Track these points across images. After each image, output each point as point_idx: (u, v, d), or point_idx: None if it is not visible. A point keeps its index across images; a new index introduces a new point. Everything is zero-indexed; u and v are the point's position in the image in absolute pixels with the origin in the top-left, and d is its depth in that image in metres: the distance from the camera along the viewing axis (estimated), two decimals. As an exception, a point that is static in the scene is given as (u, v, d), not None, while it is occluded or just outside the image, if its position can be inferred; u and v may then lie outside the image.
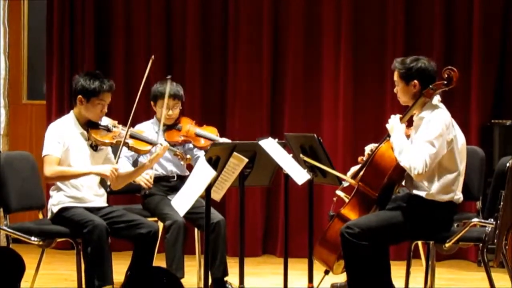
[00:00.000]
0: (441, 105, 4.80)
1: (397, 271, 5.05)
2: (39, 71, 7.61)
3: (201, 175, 4.13)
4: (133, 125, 5.37)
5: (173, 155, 5.60)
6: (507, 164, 4.64)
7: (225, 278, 5.49)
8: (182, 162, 5.67)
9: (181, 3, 7.23)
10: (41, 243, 5.05)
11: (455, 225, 5.03)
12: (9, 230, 5.08)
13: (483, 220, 4.91)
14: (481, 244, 4.78)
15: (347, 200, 4.96)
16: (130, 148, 5.16)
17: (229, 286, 5.49)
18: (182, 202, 4.14)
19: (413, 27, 7.01)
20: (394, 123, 4.81)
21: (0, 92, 7.53)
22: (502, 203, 4.62)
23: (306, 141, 5.07)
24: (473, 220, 4.93)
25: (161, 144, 5.19)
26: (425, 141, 4.62)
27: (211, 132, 5.76)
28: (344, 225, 4.71)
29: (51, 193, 5.19)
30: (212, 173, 4.08)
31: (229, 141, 5.68)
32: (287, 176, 4.99)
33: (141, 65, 7.05)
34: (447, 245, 4.76)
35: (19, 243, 5.12)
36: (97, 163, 5.18)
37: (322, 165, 4.98)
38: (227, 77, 7.20)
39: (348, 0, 7.01)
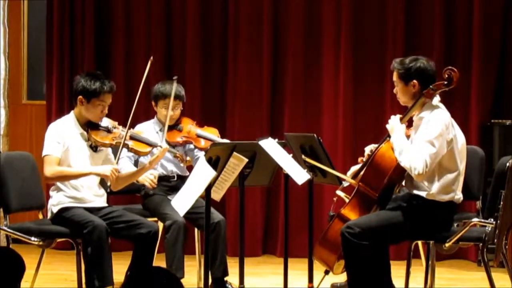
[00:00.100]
0: (441, 105, 4.80)
1: (397, 271, 5.05)
2: (39, 71, 7.61)
3: (201, 175, 4.13)
4: (133, 125, 5.37)
5: (173, 157, 5.60)
6: (507, 164, 4.65)
7: (225, 278, 5.49)
8: (182, 164, 5.67)
9: (181, 3, 7.23)
10: (41, 243, 5.05)
11: (455, 225, 5.04)
12: (9, 230, 5.08)
13: (483, 220, 4.91)
14: (481, 244, 4.78)
15: (347, 200, 4.97)
16: (130, 149, 5.16)
17: (229, 286, 5.49)
18: (182, 202, 4.14)
19: (413, 27, 7.01)
20: (394, 124, 4.81)
21: (0, 92, 7.53)
22: (502, 203, 4.62)
23: (306, 141, 5.07)
24: (473, 220, 4.94)
25: (161, 147, 5.18)
26: (425, 141, 4.62)
27: (212, 133, 5.76)
28: (344, 225, 4.71)
29: (51, 193, 5.19)
30: (212, 173, 4.08)
31: (229, 142, 5.68)
32: (287, 176, 4.99)
33: (141, 65, 7.05)
34: (447, 244, 4.76)
35: (19, 243, 5.12)
36: (97, 164, 5.18)
37: (322, 165, 4.98)
38: (227, 77, 7.20)
39: (348, 0, 7.01)
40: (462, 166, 4.79)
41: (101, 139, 5.10)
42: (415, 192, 4.77)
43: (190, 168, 5.16)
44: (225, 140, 5.75)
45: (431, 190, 4.72)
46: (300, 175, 4.91)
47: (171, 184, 5.72)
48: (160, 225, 5.53)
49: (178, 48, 7.26)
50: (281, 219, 7.00)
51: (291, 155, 5.04)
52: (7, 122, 7.56)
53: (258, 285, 5.96)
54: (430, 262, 5.30)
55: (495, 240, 4.65)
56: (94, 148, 5.19)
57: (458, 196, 4.79)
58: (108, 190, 5.34)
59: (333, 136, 7.02)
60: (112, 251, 5.10)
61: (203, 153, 5.64)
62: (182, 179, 5.57)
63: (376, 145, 4.91)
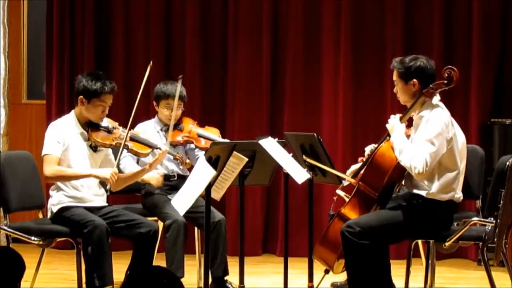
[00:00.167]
0: (441, 104, 4.80)
1: (397, 270, 5.05)
2: (39, 71, 7.61)
3: (201, 174, 4.13)
4: (133, 125, 5.37)
5: (173, 159, 5.59)
6: (507, 163, 4.65)
7: (225, 278, 5.49)
8: (181, 166, 5.66)
9: (181, 3, 7.23)
10: (41, 242, 5.05)
11: (455, 224, 5.04)
12: (9, 229, 5.08)
13: (483, 219, 4.91)
14: (481, 243, 4.78)
15: (347, 200, 4.96)
16: (129, 150, 5.17)
17: (229, 286, 5.49)
18: (182, 202, 4.14)
19: (412, 27, 7.00)
20: (394, 123, 4.81)
21: (0, 92, 7.53)
22: (502, 202, 4.62)
23: (306, 140, 5.07)
24: (473, 219, 4.94)
25: (160, 149, 5.18)
26: (425, 140, 4.62)
27: (213, 133, 5.75)
28: (344, 224, 4.71)
29: (51, 192, 5.19)
30: (212, 172, 4.08)
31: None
32: (287, 175, 4.99)
33: (140, 65, 7.06)
34: (447, 244, 4.76)
35: (19, 242, 5.12)
36: (96, 164, 5.18)
37: (322, 165, 4.98)
38: (227, 77, 7.20)
39: (347, 0, 7.01)
40: (462, 165, 4.79)
41: (101, 140, 5.10)
42: (415, 191, 4.77)
43: (190, 168, 5.16)
44: (226, 140, 5.75)
45: (431, 189, 4.72)
46: (300, 174, 4.91)
47: (171, 183, 5.72)
48: (160, 224, 5.53)
49: (178, 48, 7.26)
50: (281, 218, 7.00)
51: (291, 154, 5.04)
52: (7, 122, 7.56)
53: (258, 285, 5.96)
54: (430, 261, 5.30)
55: (495, 239, 4.65)
56: (94, 148, 5.19)
57: (458, 195, 4.79)
58: (108, 193, 5.35)
59: (333, 135, 7.02)
60: (112, 251, 5.09)
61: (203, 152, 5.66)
62: (182, 179, 5.55)
63: (376, 145, 4.91)
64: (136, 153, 5.19)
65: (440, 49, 6.90)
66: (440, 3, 6.93)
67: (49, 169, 5.04)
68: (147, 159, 5.42)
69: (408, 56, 4.87)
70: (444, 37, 6.94)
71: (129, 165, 5.53)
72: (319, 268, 5.10)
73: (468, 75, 6.83)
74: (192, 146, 5.78)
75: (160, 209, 5.56)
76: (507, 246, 4.83)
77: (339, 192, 5.12)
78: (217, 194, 4.47)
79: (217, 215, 5.48)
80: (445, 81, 4.76)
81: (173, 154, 5.44)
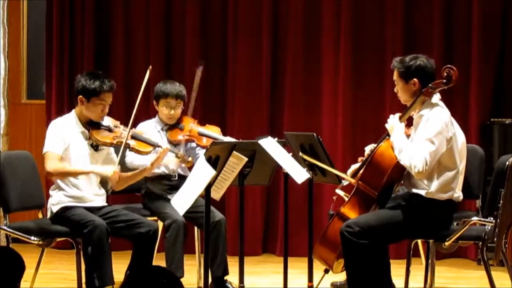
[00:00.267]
0: (441, 103, 4.80)
1: (397, 270, 5.06)
2: (39, 70, 7.61)
3: (201, 174, 4.13)
4: (134, 124, 5.37)
5: (175, 157, 5.60)
6: (507, 163, 4.65)
7: (225, 277, 5.49)
8: (183, 165, 5.67)
9: (181, 3, 7.23)
10: (40, 242, 5.05)
11: (455, 223, 5.04)
12: (9, 229, 5.08)
13: (482, 219, 4.92)
14: (480, 243, 4.78)
15: (346, 199, 4.97)
16: (131, 149, 5.16)
17: (229, 285, 5.49)
18: (181, 201, 4.14)
19: (412, 27, 7.00)
20: (394, 123, 4.81)
21: (0, 92, 7.53)
22: (501, 202, 4.62)
23: (306, 140, 5.07)
24: (472, 218, 4.94)
25: (161, 147, 5.19)
26: (425, 139, 4.62)
27: (214, 131, 5.76)
28: (344, 224, 4.71)
29: (51, 192, 5.19)
30: (211, 172, 4.08)
31: (232, 140, 5.69)
32: (286, 175, 4.99)
33: (140, 65, 7.06)
34: (447, 243, 4.76)
35: (18, 242, 5.12)
36: (97, 163, 5.18)
37: (320, 163, 4.98)
38: (227, 77, 7.20)
39: (347, 0, 7.01)
40: (462, 165, 4.79)
41: (102, 138, 5.10)
42: (414, 190, 4.77)
43: (191, 167, 5.16)
44: (228, 138, 5.75)
45: (430, 188, 4.72)
46: (299, 174, 4.91)
47: (172, 183, 5.72)
48: (160, 224, 5.53)
49: (178, 48, 7.26)
50: (281, 218, 7.00)
51: (291, 154, 5.04)
52: (6, 122, 7.56)
53: (258, 284, 5.96)
54: (430, 261, 5.30)
55: (495, 239, 4.65)
56: (95, 147, 5.19)
57: (458, 194, 4.79)
58: (109, 192, 5.35)
59: (333, 135, 7.02)
60: (112, 251, 5.10)
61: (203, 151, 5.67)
62: (183, 179, 5.56)
63: (376, 144, 4.92)
64: (137, 152, 5.20)
65: (440, 49, 6.90)
66: (440, 3, 6.92)
67: (50, 165, 5.04)
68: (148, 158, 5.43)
69: (408, 56, 4.87)
70: (444, 37, 6.94)
71: (136, 159, 5.52)
72: (319, 268, 5.10)
73: (468, 75, 6.83)
74: (193, 145, 5.78)
75: (160, 209, 5.57)
76: (506, 245, 4.82)
77: (338, 191, 5.12)
78: (216, 194, 4.47)
79: (217, 214, 5.48)
80: (444, 80, 4.76)
81: (174, 152, 5.44)
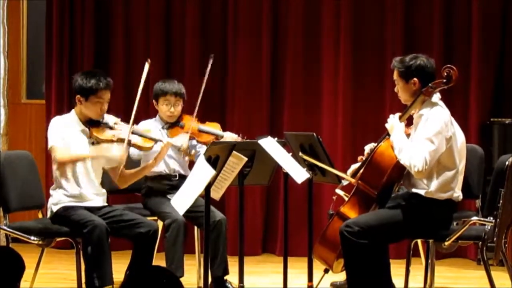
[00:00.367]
0: (441, 102, 4.80)
1: (396, 270, 5.06)
2: (39, 70, 7.61)
3: (201, 174, 4.13)
4: (135, 122, 5.37)
5: (178, 151, 5.58)
6: (507, 163, 4.65)
7: (225, 277, 5.49)
8: (186, 158, 5.66)
9: (181, 3, 7.23)
10: (40, 242, 5.05)
11: (455, 223, 5.04)
12: (8, 229, 5.08)
13: (482, 219, 4.92)
14: (480, 243, 4.78)
15: (346, 199, 4.97)
16: (132, 145, 5.16)
17: (229, 285, 5.49)
18: (181, 201, 4.14)
19: (412, 27, 7.00)
20: (394, 122, 4.82)
21: (0, 92, 7.53)
22: (501, 202, 4.62)
23: (305, 140, 5.07)
24: (472, 218, 4.94)
25: (162, 141, 5.19)
26: (424, 138, 4.63)
27: (214, 128, 5.78)
28: (343, 224, 4.71)
29: (51, 192, 5.19)
30: (211, 172, 4.08)
31: (233, 135, 5.70)
32: (286, 175, 4.99)
33: (140, 65, 6.98)
34: (446, 243, 4.76)
35: (18, 242, 5.12)
36: (98, 161, 5.18)
37: (322, 164, 4.98)
38: (227, 76, 7.20)
39: (347, 0, 7.01)
40: (461, 165, 4.79)
41: (103, 136, 5.10)
42: (414, 190, 4.77)
43: (191, 167, 5.16)
44: (227, 133, 5.75)
45: (430, 188, 4.72)
46: (299, 174, 4.91)
47: (172, 183, 5.72)
48: (160, 223, 5.53)
49: (178, 48, 7.26)
50: (281, 218, 7.00)
51: (291, 154, 5.04)
52: (6, 122, 7.56)
53: (258, 284, 5.96)
54: (429, 261, 5.30)
55: (495, 239, 4.65)
56: (96, 145, 5.18)
57: (457, 194, 4.79)
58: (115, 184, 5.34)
59: (333, 135, 7.02)
60: (112, 251, 5.10)
61: (205, 147, 5.67)
62: (183, 178, 5.56)
63: (376, 144, 4.92)
64: (138, 147, 5.20)
65: (440, 49, 6.89)
66: (440, 3, 6.92)
67: (60, 155, 5.04)
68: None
69: (408, 55, 4.87)
70: (444, 37, 6.94)
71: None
72: (318, 268, 5.10)
73: (468, 74, 6.83)
74: (194, 142, 5.77)
75: (160, 209, 5.57)
76: (506, 245, 4.82)
77: (338, 191, 5.12)
78: (216, 193, 4.47)
79: (217, 214, 5.48)
80: (444, 80, 4.76)
81: (177, 146, 5.42)
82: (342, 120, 7.04)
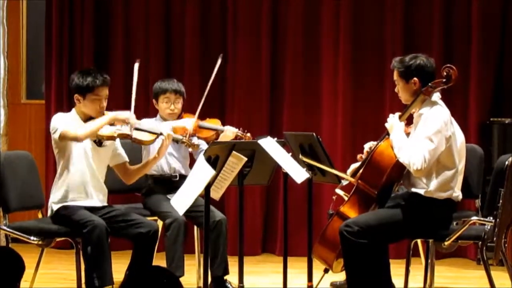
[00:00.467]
0: (441, 102, 4.81)
1: (396, 270, 5.06)
2: (38, 71, 7.61)
3: (200, 174, 4.13)
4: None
5: (180, 143, 5.57)
6: (506, 162, 4.65)
7: (225, 277, 5.49)
8: (190, 149, 5.65)
9: (181, 3, 7.23)
10: (40, 242, 5.05)
11: (454, 223, 5.04)
12: (8, 229, 5.08)
13: (482, 218, 4.92)
14: (480, 242, 4.78)
15: (346, 199, 4.97)
16: (134, 140, 5.15)
17: (229, 285, 5.49)
18: (181, 201, 4.14)
19: (412, 27, 7.00)
20: (393, 122, 4.82)
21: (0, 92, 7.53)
22: (501, 201, 4.62)
23: (305, 140, 5.07)
24: (472, 218, 4.94)
25: (162, 134, 5.19)
26: (424, 137, 4.63)
27: (214, 123, 5.79)
28: (343, 224, 4.71)
29: (52, 189, 5.18)
30: (211, 172, 4.08)
31: (233, 129, 5.70)
32: (286, 175, 4.98)
33: (140, 65, 7.01)
34: (446, 243, 4.76)
35: (18, 242, 5.12)
36: (101, 159, 5.19)
37: (321, 165, 4.98)
38: (227, 76, 7.20)
39: (347, 0, 7.01)
40: (461, 164, 4.80)
41: (103, 133, 5.09)
42: (413, 189, 4.77)
43: (192, 166, 5.16)
44: (227, 127, 5.74)
45: (429, 187, 4.73)
46: (299, 174, 4.91)
47: (172, 183, 5.72)
48: (160, 223, 5.53)
49: (178, 48, 7.26)
50: (281, 217, 7.00)
51: (290, 154, 5.04)
52: (6, 122, 7.56)
53: (258, 284, 5.96)
54: (429, 261, 5.30)
55: (494, 239, 4.65)
56: (98, 143, 5.18)
57: (457, 194, 4.79)
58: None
59: (333, 135, 7.02)
60: (112, 251, 5.10)
61: (205, 144, 5.68)
62: (184, 178, 5.56)
63: (375, 143, 4.92)
64: (140, 142, 5.19)
65: (440, 48, 6.90)
66: (440, 3, 6.92)
67: (74, 132, 4.97)
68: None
69: (408, 55, 4.88)
70: (443, 37, 6.94)
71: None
72: (318, 268, 5.10)
73: (467, 74, 6.84)
74: (194, 139, 5.77)
75: (161, 208, 5.57)
76: (506, 245, 4.83)
77: (338, 191, 5.12)
78: (216, 193, 4.47)
79: (217, 214, 5.48)
80: (444, 80, 4.77)
81: (178, 138, 5.41)
82: (341, 120, 7.04)
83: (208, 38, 7.23)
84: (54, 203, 5.13)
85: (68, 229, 5.04)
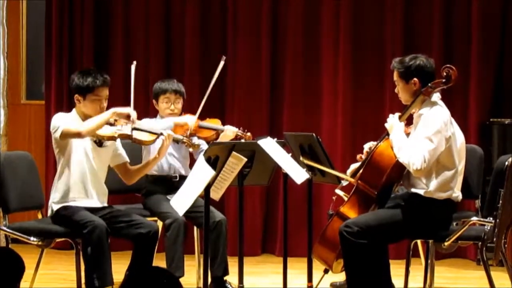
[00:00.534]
0: (441, 102, 4.81)
1: (396, 270, 5.06)
2: (38, 71, 7.61)
3: (200, 174, 4.13)
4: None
5: (180, 143, 5.57)
6: (506, 163, 4.64)
7: (225, 278, 5.49)
8: (190, 149, 5.66)
9: (181, 3, 7.23)
10: (40, 243, 5.05)
11: (454, 223, 5.04)
12: (8, 230, 5.08)
13: (482, 219, 4.92)
14: (480, 243, 4.79)
15: (346, 199, 4.97)
16: (134, 140, 5.15)
17: (229, 286, 5.49)
18: (181, 202, 4.14)
19: (412, 27, 7.01)
20: (393, 122, 4.82)
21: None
22: (501, 202, 4.62)
23: (305, 140, 5.07)
24: (472, 218, 4.94)
25: (162, 134, 5.19)
26: (424, 137, 4.63)
27: (214, 123, 5.80)
28: (343, 224, 4.71)
29: (52, 189, 5.18)
30: (211, 172, 4.08)
31: (233, 128, 5.70)
32: (286, 175, 4.99)
33: (140, 66, 7.05)
34: (446, 243, 4.76)
35: (18, 243, 5.11)
36: (101, 159, 5.18)
37: (321, 166, 4.98)
38: (226, 76, 7.19)
39: (347, 0, 7.01)
40: (461, 165, 4.80)
41: (104, 133, 5.09)
42: (413, 190, 4.78)
43: (192, 166, 5.17)
44: (227, 126, 5.75)
45: (429, 187, 4.73)
46: (299, 175, 4.91)
47: (172, 183, 5.72)
48: (160, 223, 5.53)
49: (178, 48, 7.26)
50: (280, 218, 7.00)
51: (290, 154, 5.04)
52: (6, 122, 7.56)
53: (258, 285, 5.96)
54: (429, 261, 5.30)
55: (494, 239, 4.65)
56: (98, 143, 5.18)
57: (456, 194, 4.79)
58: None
59: (333, 135, 7.02)
60: (112, 251, 5.10)
61: (205, 144, 5.68)
62: (184, 179, 5.56)
63: (375, 143, 4.92)
64: (140, 142, 5.19)
65: (440, 48, 6.90)
66: (440, 3, 6.93)
67: (76, 128, 4.96)
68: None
69: (407, 56, 4.88)
70: (443, 37, 6.94)
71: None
72: (318, 268, 5.10)
73: (467, 74, 6.84)
74: (195, 139, 5.78)
75: (160, 209, 5.57)
76: (506, 246, 4.82)
77: (338, 191, 5.12)
78: (216, 194, 4.47)
79: (217, 215, 5.49)
80: (444, 80, 4.77)
81: (179, 139, 5.42)
82: (341, 120, 7.05)
83: (208, 38, 7.23)
84: (54, 203, 5.13)
85: (68, 230, 5.04)
